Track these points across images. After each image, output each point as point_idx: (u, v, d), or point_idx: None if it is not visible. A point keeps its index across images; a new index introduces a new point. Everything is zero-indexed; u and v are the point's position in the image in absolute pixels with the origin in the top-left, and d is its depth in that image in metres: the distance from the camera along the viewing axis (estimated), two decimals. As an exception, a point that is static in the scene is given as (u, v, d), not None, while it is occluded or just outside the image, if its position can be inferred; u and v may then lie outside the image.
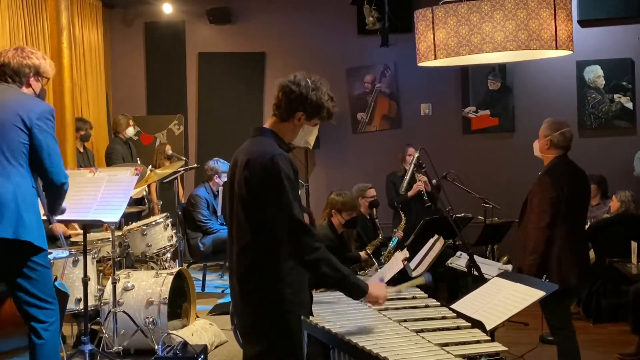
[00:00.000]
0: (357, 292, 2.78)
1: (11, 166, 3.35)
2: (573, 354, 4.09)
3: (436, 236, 5.06)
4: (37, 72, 3.61)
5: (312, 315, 2.87)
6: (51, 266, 4.38)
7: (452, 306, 3.16)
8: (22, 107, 3.43)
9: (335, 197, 5.33)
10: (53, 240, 4.83)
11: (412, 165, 5.17)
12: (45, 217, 3.69)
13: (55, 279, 4.34)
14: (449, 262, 5.13)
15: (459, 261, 4.95)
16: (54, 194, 3.56)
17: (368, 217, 6.21)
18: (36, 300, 3.44)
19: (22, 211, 3.34)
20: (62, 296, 4.07)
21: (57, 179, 3.50)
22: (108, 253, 5.10)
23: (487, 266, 4.53)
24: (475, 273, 4.02)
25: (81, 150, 7.08)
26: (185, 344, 4.24)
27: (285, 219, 2.69)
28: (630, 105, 7.97)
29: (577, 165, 4.19)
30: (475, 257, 4.75)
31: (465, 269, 4.58)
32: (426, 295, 3.30)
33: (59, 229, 4.71)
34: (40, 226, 3.47)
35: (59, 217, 3.98)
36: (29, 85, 3.59)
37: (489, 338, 2.72)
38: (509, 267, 4.47)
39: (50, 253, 4.38)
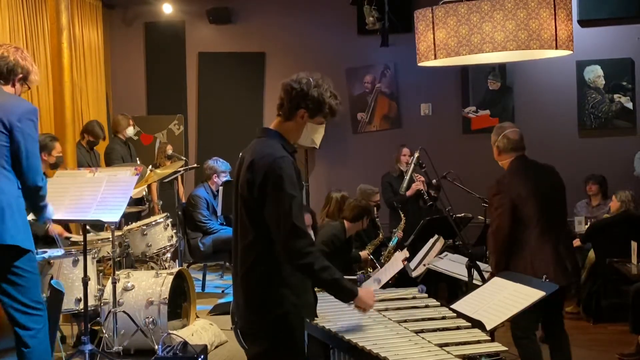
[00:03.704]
0: (348, 295, 2.77)
1: None
2: None
3: (436, 236, 5.05)
4: (26, 77, 3.54)
5: (317, 316, 2.86)
6: (51, 266, 4.41)
7: (452, 306, 3.16)
8: (3, 107, 3.34)
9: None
10: (50, 242, 4.82)
11: (412, 165, 5.14)
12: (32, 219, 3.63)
13: (51, 278, 4.34)
14: (427, 263, 5.06)
15: (439, 262, 4.84)
16: (30, 197, 3.46)
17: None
18: (21, 306, 3.36)
19: (6, 216, 3.28)
20: (57, 295, 4.04)
21: (33, 182, 3.40)
22: (108, 253, 5.10)
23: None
24: (476, 273, 4.01)
25: (88, 150, 7.06)
26: (185, 344, 4.24)
27: (281, 223, 2.67)
28: (630, 105, 7.96)
29: (540, 164, 4.07)
30: (457, 256, 4.72)
31: (444, 270, 4.56)
32: (426, 295, 3.30)
33: (55, 230, 4.70)
34: (26, 229, 3.41)
35: (56, 218, 3.97)
36: (13, 86, 3.51)
37: (489, 338, 2.73)
38: (486, 266, 4.42)
39: (45, 252, 4.37)
